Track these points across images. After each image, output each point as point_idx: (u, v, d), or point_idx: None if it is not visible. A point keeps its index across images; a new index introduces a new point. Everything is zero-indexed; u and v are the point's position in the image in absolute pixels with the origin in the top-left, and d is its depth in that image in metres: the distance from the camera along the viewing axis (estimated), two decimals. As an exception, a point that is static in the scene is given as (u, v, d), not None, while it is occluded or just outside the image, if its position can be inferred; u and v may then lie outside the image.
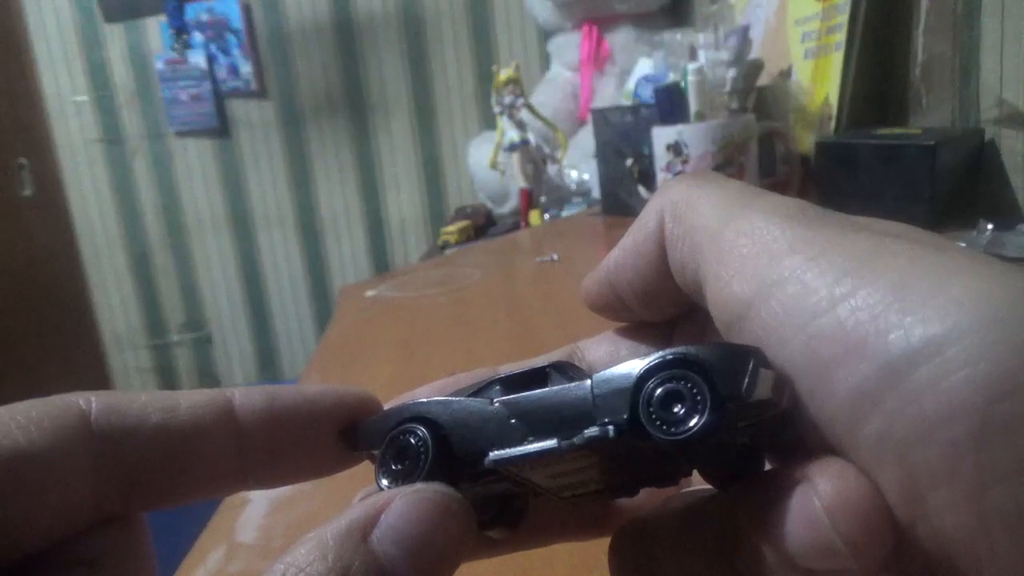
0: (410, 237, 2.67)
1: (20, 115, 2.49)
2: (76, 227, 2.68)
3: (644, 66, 1.40)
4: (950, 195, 0.74)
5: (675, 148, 0.93)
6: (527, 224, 1.47)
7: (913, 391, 0.13)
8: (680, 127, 0.93)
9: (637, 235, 0.21)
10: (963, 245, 0.15)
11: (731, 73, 0.94)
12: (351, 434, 0.20)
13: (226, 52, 2.53)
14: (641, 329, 0.23)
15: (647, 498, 0.21)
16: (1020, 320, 0.13)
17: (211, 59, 2.53)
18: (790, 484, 0.15)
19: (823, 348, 0.15)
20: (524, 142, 1.48)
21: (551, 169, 1.55)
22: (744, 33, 0.95)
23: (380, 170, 2.63)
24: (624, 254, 0.21)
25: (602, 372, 0.17)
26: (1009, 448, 0.12)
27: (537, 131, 1.55)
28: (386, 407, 0.20)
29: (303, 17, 2.52)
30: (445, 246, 1.62)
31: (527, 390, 0.18)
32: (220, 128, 2.59)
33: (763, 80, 1.03)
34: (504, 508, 0.20)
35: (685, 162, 0.93)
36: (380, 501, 0.16)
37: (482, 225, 1.76)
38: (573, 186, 1.56)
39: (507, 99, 1.47)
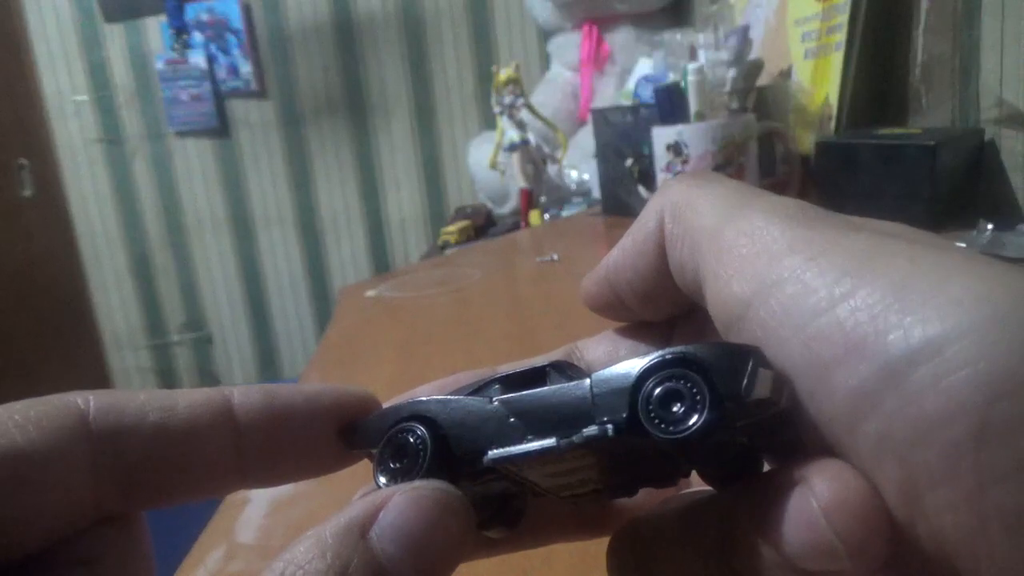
0: (410, 237, 2.67)
1: (20, 115, 2.49)
2: (76, 227, 2.68)
3: (644, 66, 1.40)
4: (950, 195, 0.74)
5: (675, 148, 0.93)
6: (527, 224, 1.47)
7: (913, 391, 0.13)
8: (680, 127, 0.93)
9: (637, 235, 0.21)
10: (963, 245, 0.15)
11: (731, 73, 0.94)
12: (350, 433, 0.20)
13: (226, 52, 2.53)
14: (640, 329, 0.23)
15: (646, 498, 0.21)
16: (1020, 320, 0.13)
17: (211, 59, 2.53)
18: (788, 485, 0.15)
19: (822, 348, 0.15)
20: (524, 142, 1.48)
21: (551, 169, 1.55)
22: (744, 33, 0.95)
23: (380, 170, 2.63)
24: (624, 254, 0.21)
25: (601, 371, 0.17)
26: (1009, 448, 0.12)
27: (537, 131, 1.55)
28: (385, 406, 0.20)
29: (303, 17, 2.52)
30: (445, 246, 1.62)
31: (526, 389, 0.18)
32: (220, 128, 2.59)
33: (763, 80, 1.03)
34: (503, 508, 0.20)
35: (685, 162, 0.93)
36: (379, 499, 0.16)
37: (482, 225, 1.76)
38: (573, 186, 1.56)
39: (507, 99, 1.47)
